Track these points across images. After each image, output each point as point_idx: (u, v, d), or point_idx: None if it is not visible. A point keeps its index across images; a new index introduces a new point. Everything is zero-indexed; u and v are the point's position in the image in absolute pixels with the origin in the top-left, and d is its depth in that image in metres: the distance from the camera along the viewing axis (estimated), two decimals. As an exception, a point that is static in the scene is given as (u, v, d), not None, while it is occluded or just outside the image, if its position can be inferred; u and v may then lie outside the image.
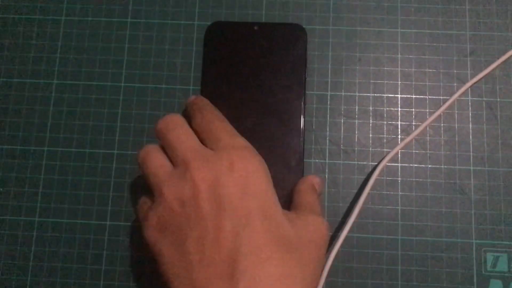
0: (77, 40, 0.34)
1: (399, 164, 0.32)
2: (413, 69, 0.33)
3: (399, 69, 0.33)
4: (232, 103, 0.30)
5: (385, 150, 0.32)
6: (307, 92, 0.32)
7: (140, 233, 0.25)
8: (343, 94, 0.33)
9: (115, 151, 0.32)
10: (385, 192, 0.31)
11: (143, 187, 0.31)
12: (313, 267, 0.24)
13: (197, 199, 0.22)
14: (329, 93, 0.33)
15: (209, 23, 0.33)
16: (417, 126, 0.32)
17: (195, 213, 0.22)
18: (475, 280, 0.30)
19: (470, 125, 0.32)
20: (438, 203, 0.31)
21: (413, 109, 0.32)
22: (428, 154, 0.32)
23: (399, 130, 0.32)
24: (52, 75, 0.34)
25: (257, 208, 0.22)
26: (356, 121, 0.32)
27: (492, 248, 0.30)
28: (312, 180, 0.29)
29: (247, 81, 0.31)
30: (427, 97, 0.32)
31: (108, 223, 0.31)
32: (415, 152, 0.32)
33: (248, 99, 0.30)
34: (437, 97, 0.32)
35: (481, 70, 0.32)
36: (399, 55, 0.33)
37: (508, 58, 0.32)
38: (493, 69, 0.32)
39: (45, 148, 0.33)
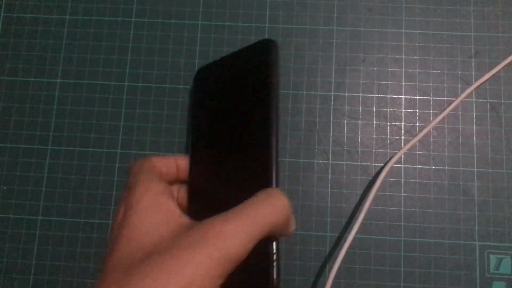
0: (81, 39, 0.34)
1: (403, 165, 0.32)
2: (417, 70, 0.33)
3: (403, 70, 0.33)
4: (217, 144, 0.26)
5: (388, 151, 0.32)
6: (310, 92, 0.32)
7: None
8: (346, 94, 0.33)
9: (118, 150, 0.32)
10: (388, 193, 0.31)
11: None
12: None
13: None
14: (332, 93, 0.33)
15: (212, 23, 0.33)
16: (420, 127, 0.32)
17: None
18: (478, 282, 0.30)
19: (474, 127, 0.32)
20: (441, 205, 0.31)
21: (417, 110, 0.32)
22: (431, 156, 0.32)
23: (403, 131, 0.32)
24: (56, 74, 0.34)
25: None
26: (360, 121, 0.32)
27: (496, 250, 0.30)
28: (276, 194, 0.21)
29: (229, 120, 0.26)
30: (431, 98, 0.32)
31: (111, 221, 0.31)
32: (418, 153, 0.32)
33: (228, 136, 0.26)
34: (441, 98, 0.32)
35: (485, 72, 0.32)
36: (403, 56, 0.33)
37: (513, 59, 0.32)
38: (498, 71, 0.32)
39: (49, 147, 0.33)
